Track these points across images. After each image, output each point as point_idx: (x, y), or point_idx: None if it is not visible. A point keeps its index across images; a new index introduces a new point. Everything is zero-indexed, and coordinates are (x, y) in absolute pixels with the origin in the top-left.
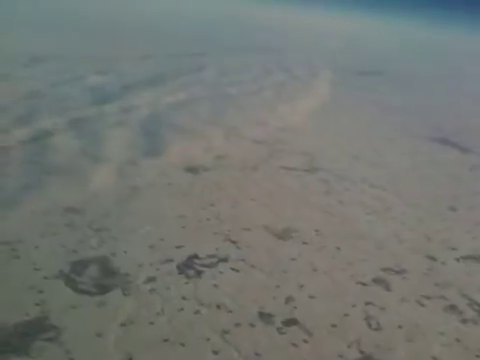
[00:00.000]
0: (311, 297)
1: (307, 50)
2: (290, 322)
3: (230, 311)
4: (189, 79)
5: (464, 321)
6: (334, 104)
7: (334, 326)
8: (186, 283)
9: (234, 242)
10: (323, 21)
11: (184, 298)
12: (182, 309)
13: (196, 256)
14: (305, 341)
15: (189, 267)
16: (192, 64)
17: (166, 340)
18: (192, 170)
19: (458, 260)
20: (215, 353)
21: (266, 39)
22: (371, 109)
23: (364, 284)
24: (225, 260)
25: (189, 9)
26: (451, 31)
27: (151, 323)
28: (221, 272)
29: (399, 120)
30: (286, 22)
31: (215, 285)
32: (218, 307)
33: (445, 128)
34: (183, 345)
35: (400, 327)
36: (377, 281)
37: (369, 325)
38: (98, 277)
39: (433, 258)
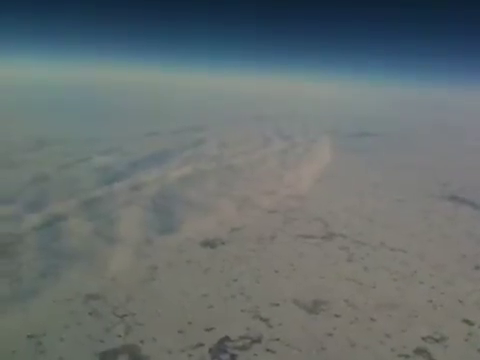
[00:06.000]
0: None
1: (300, 117)
2: None
3: None
4: (193, 153)
5: None
6: (337, 167)
7: None
8: None
9: (265, 320)
10: (309, 88)
11: None
12: None
13: (228, 338)
14: None
15: (222, 351)
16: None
17: None
18: (209, 244)
19: None
20: None
21: (258, 108)
22: (374, 170)
23: (407, 356)
24: (258, 341)
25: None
26: (439, 87)
27: None
28: (256, 355)
29: (404, 179)
30: (271, 91)
31: None
32: None
33: (451, 184)
34: None
35: None
36: (419, 352)
37: None
38: None
39: (470, 322)
